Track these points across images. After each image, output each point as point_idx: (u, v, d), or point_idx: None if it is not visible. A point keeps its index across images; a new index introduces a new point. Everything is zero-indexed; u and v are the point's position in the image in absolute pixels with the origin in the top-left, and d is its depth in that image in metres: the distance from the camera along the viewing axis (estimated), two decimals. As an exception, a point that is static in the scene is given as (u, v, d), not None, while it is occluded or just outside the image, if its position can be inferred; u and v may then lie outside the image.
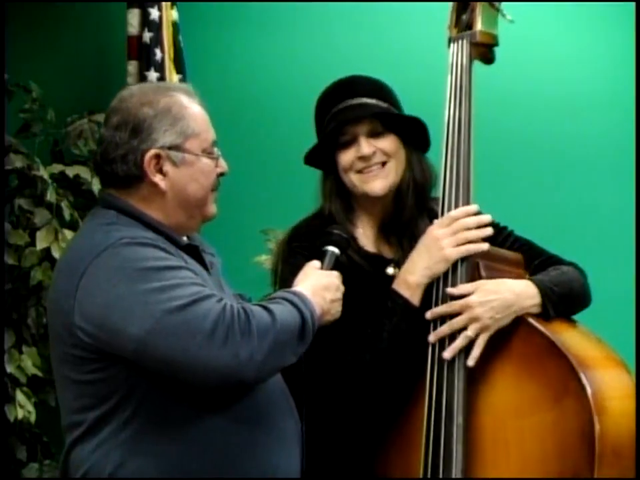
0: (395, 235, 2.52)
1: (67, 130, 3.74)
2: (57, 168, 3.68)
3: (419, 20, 3.92)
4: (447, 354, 2.30)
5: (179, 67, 3.89)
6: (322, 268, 2.29)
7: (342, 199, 2.50)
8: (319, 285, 2.21)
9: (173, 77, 3.84)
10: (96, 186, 3.55)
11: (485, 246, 2.35)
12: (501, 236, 2.52)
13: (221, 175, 2.27)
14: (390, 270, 2.48)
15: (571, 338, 2.27)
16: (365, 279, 2.45)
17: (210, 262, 2.30)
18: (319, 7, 4.06)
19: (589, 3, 3.91)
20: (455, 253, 2.33)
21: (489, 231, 2.36)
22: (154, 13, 3.82)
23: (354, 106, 2.44)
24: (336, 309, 2.24)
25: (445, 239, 2.33)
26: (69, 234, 3.50)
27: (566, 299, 2.35)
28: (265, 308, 2.09)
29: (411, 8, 3.97)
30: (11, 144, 3.62)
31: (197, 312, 2.02)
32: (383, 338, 2.34)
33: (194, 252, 2.24)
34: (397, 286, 2.37)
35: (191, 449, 2.10)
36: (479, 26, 2.43)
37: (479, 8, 2.43)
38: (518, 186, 3.93)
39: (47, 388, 3.54)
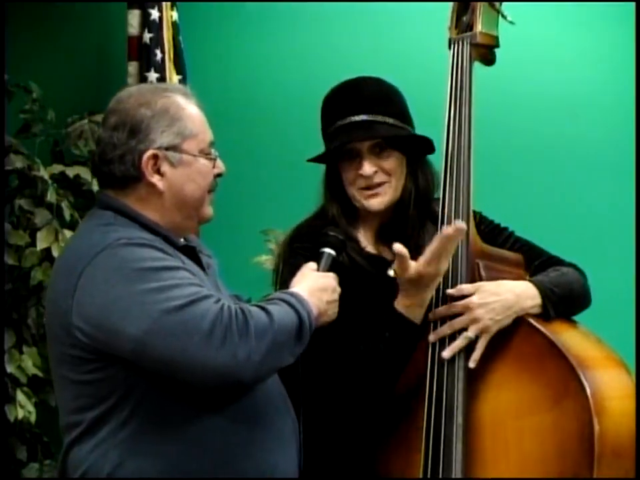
0: (396, 240, 2.51)
1: (67, 130, 3.74)
2: (57, 168, 3.68)
3: (420, 21, 3.92)
4: (446, 354, 2.30)
5: (179, 68, 3.89)
6: (318, 269, 2.29)
7: (343, 202, 2.50)
8: (315, 286, 2.22)
9: (173, 77, 3.84)
10: (96, 186, 3.55)
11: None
12: (501, 236, 2.52)
13: (219, 175, 2.27)
14: (391, 272, 2.48)
15: (571, 338, 2.27)
16: (366, 279, 2.45)
17: (207, 263, 2.31)
18: (319, 8, 4.06)
19: (589, 3, 3.91)
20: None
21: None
22: (154, 14, 3.82)
23: (360, 123, 2.43)
24: (333, 310, 2.24)
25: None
26: (69, 234, 3.50)
27: (566, 299, 2.35)
28: (263, 309, 2.09)
29: (411, 8, 3.97)
30: (11, 144, 3.62)
31: (195, 312, 2.02)
32: (380, 343, 2.34)
33: (191, 253, 2.24)
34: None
35: (189, 448, 2.11)
36: (479, 27, 2.43)
37: (480, 9, 2.43)
38: (518, 186, 3.93)
39: (47, 388, 3.54)
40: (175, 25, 3.89)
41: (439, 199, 2.44)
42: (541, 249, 2.53)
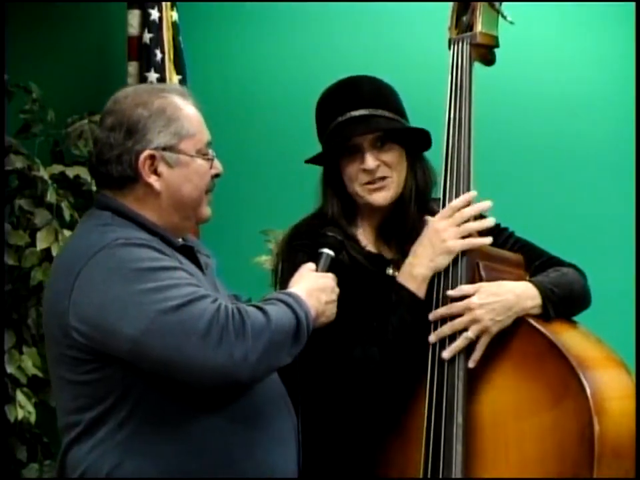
0: (396, 238, 2.52)
1: (67, 130, 3.74)
2: (57, 168, 3.68)
3: (420, 21, 3.92)
4: (446, 354, 2.30)
5: (179, 68, 3.89)
6: (317, 270, 2.29)
7: (343, 200, 2.50)
8: (314, 287, 2.22)
9: (173, 77, 3.84)
10: (95, 186, 3.55)
11: (488, 240, 2.36)
12: (501, 237, 2.52)
13: (216, 176, 2.27)
14: (390, 270, 2.49)
15: (571, 338, 2.27)
16: (366, 277, 2.45)
17: (205, 263, 2.31)
18: (319, 7, 4.06)
19: (589, 3, 3.91)
20: (457, 245, 2.34)
21: (490, 222, 2.38)
22: (154, 14, 3.82)
23: (360, 118, 2.43)
24: (331, 311, 2.25)
25: (447, 231, 2.34)
26: (69, 234, 3.49)
27: (566, 300, 2.35)
28: (260, 309, 2.09)
29: (411, 8, 3.97)
30: (11, 144, 3.62)
31: (192, 312, 2.02)
32: (388, 331, 2.35)
33: (189, 253, 2.24)
34: (402, 279, 2.37)
35: (187, 448, 2.11)
36: (479, 27, 2.43)
37: (479, 9, 2.43)
38: (518, 187, 3.93)
39: (47, 388, 3.54)
40: (174, 25, 3.89)
41: (438, 199, 2.44)
42: (541, 250, 2.53)
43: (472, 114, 2.41)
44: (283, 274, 2.43)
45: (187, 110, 2.23)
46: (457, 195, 2.39)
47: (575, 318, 2.41)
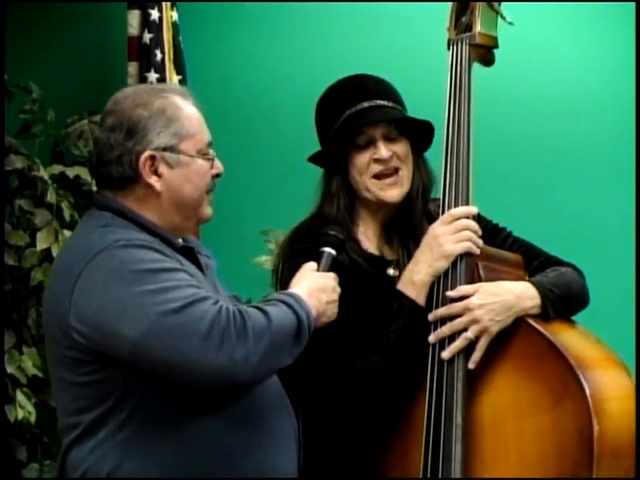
0: (398, 236, 2.52)
1: (67, 131, 3.74)
2: (57, 169, 3.68)
3: (420, 21, 3.92)
4: (446, 354, 2.30)
5: (179, 68, 3.88)
6: (318, 269, 2.29)
7: (347, 198, 2.50)
8: (314, 287, 2.22)
9: (173, 77, 3.84)
10: (96, 187, 3.55)
11: (481, 243, 2.37)
12: (499, 237, 2.52)
13: (217, 176, 2.27)
14: (391, 271, 2.49)
15: (570, 338, 2.27)
16: (366, 279, 2.45)
17: (205, 263, 2.31)
18: (319, 7, 4.06)
19: (589, 3, 3.91)
20: (456, 249, 2.34)
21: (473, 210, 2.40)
22: (154, 14, 3.82)
23: (372, 108, 2.44)
24: (332, 311, 2.24)
25: (445, 236, 2.34)
26: (69, 234, 3.49)
27: (565, 300, 2.35)
28: (261, 310, 2.09)
29: (411, 8, 3.97)
30: (11, 145, 3.62)
31: (193, 314, 2.02)
32: (389, 339, 2.35)
33: (189, 254, 2.24)
34: (402, 286, 2.37)
35: (187, 449, 2.11)
36: (478, 28, 2.42)
37: (478, 10, 2.43)
38: (517, 187, 3.93)
39: (47, 388, 3.54)
40: (175, 25, 3.89)
41: (437, 199, 2.44)
42: (540, 249, 2.53)
43: (471, 114, 2.41)
44: (284, 276, 2.43)
45: (187, 110, 2.22)
46: (457, 195, 2.39)
47: (575, 318, 2.41)
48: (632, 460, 2.19)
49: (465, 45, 2.43)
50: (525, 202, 3.90)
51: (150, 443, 2.10)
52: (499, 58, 2.50)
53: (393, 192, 2.46)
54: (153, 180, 2.18)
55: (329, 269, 2.30)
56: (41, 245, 3.52)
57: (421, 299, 2.36)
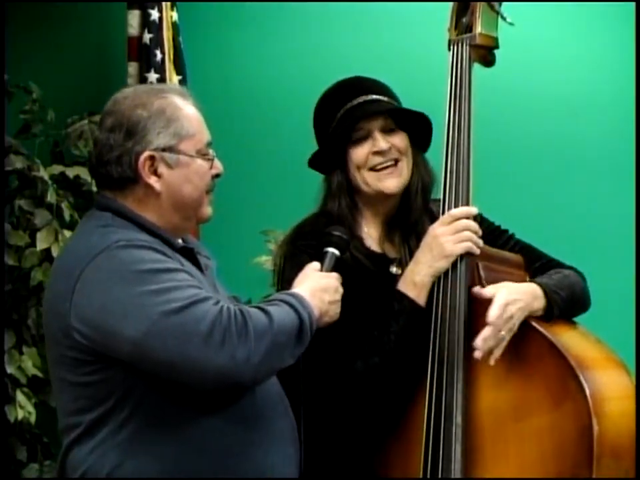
0: (400, 234, 2.52)
1: (67, 131, 3.74)
2: (57, 169, 3.68)
3: (420, 21, 3.92)
4: (478, 353, 2.24)
5: (179, 68, 3.88)
6: (322, 269, 2.29)
7: (348, 196, 2.50)
8: (317, 287, 2.22)
9: (173, 78, 3.84)
10: (96, 187, 3.55)
11: (481, 243, 2.37)
12: (501, 238, 2.53)
13: (217, 176, 2.27)
14: (393, 269, 2.49)
15: (571, 339, 2.28)
16: (368, 278, 2.45)
17: (205, 264, 2.31)
18: (319, 7, 4.06)
19: (589, 3, 3.91)
20: (456, 249, 2.34)
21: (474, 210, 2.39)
22: (154, 14, 3.82)
23: (369, 101, 2.45)
24: (334, 311, 2.24)
25: (445, 236, 2.34)
26: (69, 235, 3.49)
27: (569, 302, 2.36)
28: (262, 310, 2.09)
29: (411, 9, 3.97)
30: (11, 145, 3.61)
31: (194, 314, 2.02)
32: (390, 340, 2.35)
33: (189, 254, 2.24)
34: (403, 287, 2.38)
35: (187, 449, 2.11)
36: (478, 28, 2.43)
37: (479, 10, 2.43)
38: (518, 187, 3.93)
39: (47, 389, 3.54)
40: (174, 26, 3.89)
41: (438, 199, 2.44)
42: (541, 252, 2.53)
43: (472, 115, 2.41)
44: (286, 274, 2.43)
45: (187, 110, 2.22)
46: (457, 195, 2.39)
47: (575, 318, 2.41)
48: (632, 460, 2.19)
49: (466, 45, 2.43)
50: (524, 202, 3.89)
51: (150, 442, 2.11)
52: (500, 58, 2.50)
53: (391, 182, 2.46)
54: (153, 180, 2.18)
55: (332, 269, 2.30)
56: (40, 245, 3.52)
57: (421, 300, 2.36)
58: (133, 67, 3.84)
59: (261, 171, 4.07)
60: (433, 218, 2.46)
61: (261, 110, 4.08)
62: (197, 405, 2.12)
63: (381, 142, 2.44)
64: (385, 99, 2.47)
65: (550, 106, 3.94)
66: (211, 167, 2.24)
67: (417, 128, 2.50)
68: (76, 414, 2.14)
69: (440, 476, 2.29)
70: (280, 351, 2.08)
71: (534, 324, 2.27)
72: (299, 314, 2.12)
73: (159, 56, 3.81)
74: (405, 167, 2.48)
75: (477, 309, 2.32)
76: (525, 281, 2.38)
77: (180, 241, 2.27)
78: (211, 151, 2.25)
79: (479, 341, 2.24)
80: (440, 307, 2.35)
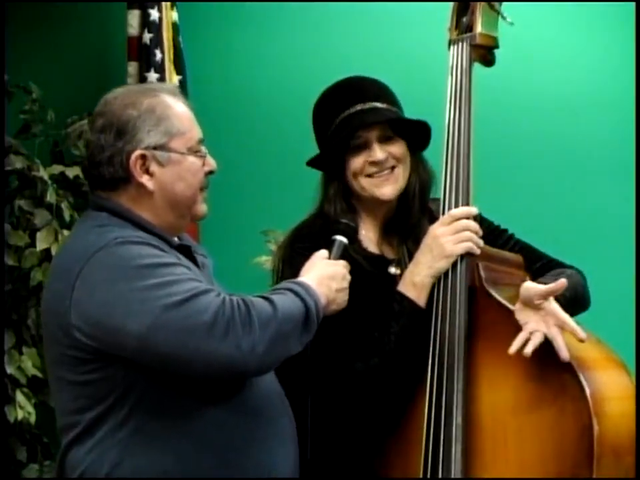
0: (398, 236, 2.52)
1: (67, 131, 3.74)
2: (57, 169, 3.68)
3: (420, 21, 3.92)
4: (529, 349, 2.22)
5: (179, 68, 3.89)
6: (330, 257, 2.29)
7: (345, 201, 2.50)
8: (324, 275, 2.22)
9: (173, 78, 3.84)
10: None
11: (481, 243, 2.37)
12: (501, 238, 2.53)
13: (210, 173, 2.27)
14: (392, 269, 2.49)
15: (571, 339, 2.27)
16: (368, 279, 2.45)
17: (202, 262, 2.31)
18: (319, 7, 4.06)
19: (589, 3, 3.91)
20: (456, 249, 2.33)
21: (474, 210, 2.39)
22: (154, 14, 3.82)
23: (366, 110, 2.44)
24: (342, 299, 2.24)
25: (445, 236, 2.34)
26: (68, 234, 3.50)
27: (572, 302, 2.36)
28: (266, 299, 2.10)
29: (411, 9, 3.97)
30: (11, 145, 3.62)
31: (196, 306, 2.02)
32: (390, 340, 2.35)
33: (186, 252, 2.25)
34: (403, 287, 2.37)
35: (187, 446, 2.11)
36: (479, 28, 2.43)
37: (479, 10, 2.43)
38: (518, 187, 3.93)
39: (46, 389, 3.53)
40: (174, 26, 3.89)
41: (437, 199, 2.44)
42: (541, 252, 2.54)
43: (472, 114, 2.41)
44: (284, 276, 2.43)
45: (177, 108, 2.22)
46: (457, 195, 2.39)
47: (575, 318, 2.41)
48: (632, 460, 2.19)
49: (466, 45, 2.43)
50: (524, 202, 3.90)
51: (150, 440, 2.11)
52: (500, 58, 2.50)
53: (387, 188, 2.46)
54: (145, 179, 2.18)
55: (340, 257, 2.30)
56: (40, 245, 3.52)
57: (421, 300, 2.36)
58: (132, 67, 3.84)
59: (260, 171, 4.07)
60: (433, 218, 2.46)
61: (260, 110, 4.08)
62: (196, 401, 2.12)
63: (378, 152, 2.44)
64: (384, 105, 2.46)
65: (550, 106, 3.95)
66: (204, 164, 2.24)
67: (415, 133, 2.49)
68: (75, 413, 2.14)
69: (440, 476, 2.29)
70: (285, 339, 2.08)
71: (534, 324, 2.27)
72: (304, 302, 2.12)
73: (158, 56, 3.82)
74: (401, 174, 2.48)
75: (477, 309, 2.32)
76: (524, 280, 2.37)
77: (176, 239, 2.27)
78: (203, 148, 2.25)
79: (512, 348, 2.22)
80: (440, 307, 2.35)
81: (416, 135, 2.50)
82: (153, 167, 2.18)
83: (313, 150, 2.55)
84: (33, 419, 3.51)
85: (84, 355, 2.10)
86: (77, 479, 2.15)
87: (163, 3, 3.85)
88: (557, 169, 3.95)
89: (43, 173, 3.58)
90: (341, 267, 2.27)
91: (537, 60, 3.95)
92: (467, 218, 2.36)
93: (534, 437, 2.21)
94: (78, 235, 2.22)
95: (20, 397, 3.48)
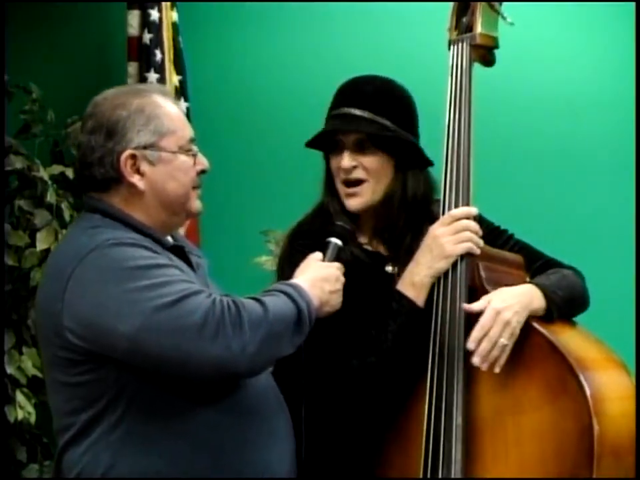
0: (389, 238, 2.51)
1: (66, 131, 3.74)
2: (56, 169, 3.68)
3: (420, 21, 3.92)
4: (485, 365, 2.24)
5: (179, 68, 3.89)
6: (324, 259, 2.30)
7: (339, 198, 2.50)
8: (317, 277, 2.22)
9: (173, 78, 3.84)
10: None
11: (481, 243, 2.36)
12: (500, 238, 2.52)
13: (202, 172, 2.27)
14: (389, 268, 2.49)
15: (571, 339, 2.27)
16: (365, 273, 2.45)
17: (196, 263, 2.31)
18: (320, 7, 4.06)
19: (589, 3, 3.91)
20: (456, 249, 2.33)
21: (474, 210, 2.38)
22: (154, 14, 3.83)
23: (345, 116, 2.43)
24: (335, 300, 2.24)
25: (445, 236, 2.34)
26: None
27: (568, 302, 2.35)
28: (257, 300, 2.10)
29: (411, 9, 3.97)
30: (11, 145, 3.62)
31: (187, 308, 2.03)
32: (387, 339, 2.35)
33: (180, 252, 2.25)
34: (402, 287, 2.37)
35: (182, 446, 2.11)
36: (479, 28, 2.42)
37: (479, 10, 2.43)
38: (518, 187, 3.93)
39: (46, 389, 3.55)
40: (174, 26, 3.90)
41: (438, 199, 2.44)
42: (541, 252, 2.53)
43: (472, 115, 2.41)
44: (284, 274, 2.43)
45: (167, 108, 2.22)
46: (457, 195, 2.39)
47: (575, 318, 2.41)
48: (632, 460, 2.19)
49: (466, 45, 2.43)
50: (524, 202, 3.90)
51: (144, 441, 2.11)
52: (500, 58, 2.50)
53: (352, 201, 2.46)
54: (136, 179, 2.18)
55: (335, 259, 2.30)
56: (40, 246, 3.52)
57: (420, 300, 2.35)
58: (132, 67, 3.85)
59: (261, 171, 4.07)
60: (433, 218, 2.45)
61: (260, 110, 4.08)
62: (189, 402, 2.12)
63: (345, 160, 2.43)
64: (365, 114, 2.42)
65: (550, 106, 3.95)
66: (195, 163, 2.24)
67: (403, 149, 2.46)
68: (70, 414, 2.15)
69: (440, 476, 2.28)
70: (277, 341, 2.09)
71: (534, 324, 2.27)
72: (296, 303, 2.12)
73: (158, 56, 3.82)
74: (370, 189, 2.45)
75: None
76: (524, 280, 2.37)
77: (170, 239, 2.27)
78: (194, 147, 2.25)
79: (470, 344, 2.24)
80: (440, 307, 2.35)
81: (404, 151, 2.47)
82: (144, 167, 2.18)
83: (314, 149, 2.55)
84: (33, 419, 3.52)
85: (76, 357, 2.10)
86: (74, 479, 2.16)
87: (163, 3, 3.86)
88: (557, 168, 3.95)
89: (43, 173, 3.58)
90: (334, 269, 2.27)
91: (537, 60, 3.95)
92: (467, 218, 2.36)
93: (534, 437, 2.21)
94: (71, 237, 2.22)
95: (20, 397, 3.49)
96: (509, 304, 2.25)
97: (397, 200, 2.46)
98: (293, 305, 2.12)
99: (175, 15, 3.90)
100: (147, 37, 3.83)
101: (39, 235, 3.53)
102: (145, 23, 3.83)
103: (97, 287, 2.06)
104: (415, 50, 3.92)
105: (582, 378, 2.17)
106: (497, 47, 2.48)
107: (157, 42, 3.82)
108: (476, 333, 2.24)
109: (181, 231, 3.66)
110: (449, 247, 2.33)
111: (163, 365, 2.05)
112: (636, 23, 3.74)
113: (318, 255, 2.30)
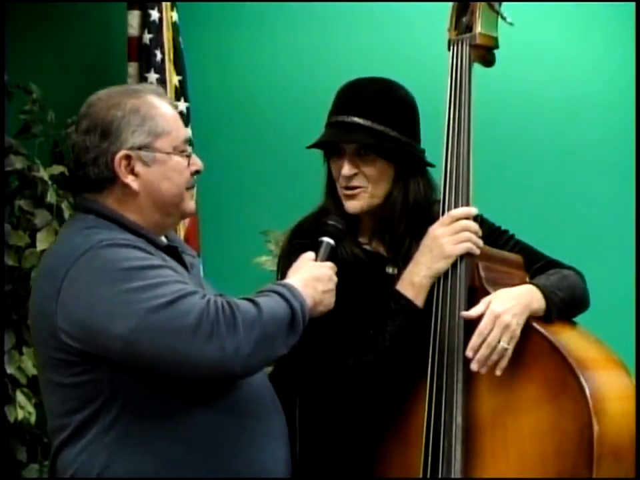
0: (389, 241, 2.51)
1: (67, 131, 3.73)
2: (57, 169, 3.68)
3: (420, 21, 3.92)
4: (484, 370, 2.24)
5: (179, 69, 3.89)
6: (316, 259, 2.30)
7: (339, 200, 2.50)
8: (310, 276, 2.22)
9: (173, 78, 3.84)
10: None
11: (481, 243, 2.36)
12: (501, 239, 2.52)
13: (196, 172, 2.27)
14: (389, 269, 2.49)
15: (571, 339, 2.27)
16: (365, 273, 2.45)
17: (190, 263, 2.31)
18: (319, 7, 4.06)
19: (589, 3, 3.91)
20: (456, 249, 2.33)
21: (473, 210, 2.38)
22: (154, 14, 3.83)
23: (346, 124, 2.42)
24: (329, 300, 2.24)
25: (445, 237, 2.34)
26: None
27: (568, 302, 2.35)
28: (251, 301, 2.10)
29: (411, 9, 3.97)
30: (11, 145, 3.62)
31: (181, 308, 2.03)
32: (385, 339, 2.35)
33: (173, 253, 2.25)
34: (401, 287, 2.37)
35: (177, 446, 2.12)
36: (478, 28, 2.42)
37: (479, 10, 2.43)
38: (518, 187, 3.93)
39: (46, 389, 3.55)
40: (174, 26, 3.90)
41: (438, 200, 2.44)
42: (541, 253, 2.53)
43: (471, 115, 2.41)
44: (283, 273, 2.43)
45: (162, 108, 2.22)
46: (457, 195, 2.39)
47: (575, 318, 2.41)
48: (632, 460, 2.19)
49: (466, 45, 2.43)
50: (524, 202, 3.90)
51: (139, 441, 2.11)
52: (499, 58, 2.50)
53: (351, 204, 2.46)
54: (130, 179, 2.18)
55: (327, 259, 2.30)
56: (40, 246, 3.52)
57: (419, 301, 2.35)
58: (132, 67, 3.85)
59: (260, 171, 4.07)
60: (434, 219, 2.45)
61: (260, 110, 4.08)
62: (184, 403, 2.12)
63: (346, 168, 2.43)
64: (367, 123, 2.41)
65: (550, 106, 3.94)
66: (189, 164, 2.24)
67: (403, 155, 2.46)
68: (65, 415, 2.15)
69: (440, 476, 2.29)
70: (271, 341, 2.09)
71: (534, 324, 2.27)
72: (289, 304, 2.12)
73: (158, 56, 3.82)
74: (368, 193, 2.45)
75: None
76: (524, 281, 2.37)
77: (164, 239, 2.27)
78: (188, 148, 2.25)
79: (468, 352, 2.25)
80: (440, 307, 2.35)
81: (404, 157, 2.46)
82: (138, 167, 2.18)
83: (313, 150, 2.55)
84: (33, 419, 3.52)
85: (70, 358, 2.10)
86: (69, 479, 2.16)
87: (163, 3, 3.86)
88: (556, 168, 3.95)
89: (43, 173, 3.58)
90: (327, 269, 2.27)
91: (537, 60, 3.94)
92: (467, 218, 2.36)
93: (534, 436, 2.21)
94: (65, 238, 2.22)
95: (20, 397, 3.49)
96: (508, 306, 2.25)
97: (398, 205, 2.46)
98: (286, 306, 2.12)
99: (175, 15, 3.90)
100: (147, 37, 3.83)
101: (39, 235, 3.53)
102: (145, 23, 3.83)
103: (91, 287, 2.06)
104: (415, 50, 3.92)
105: (582, 378, 2.17)
106: (496, 47, 2.48)
107: (157, 42, 3.82)
108: (474, 339, 2.25)
109: (181, 232, 3.67)
110: (448, 247, 2.33)
111: (157, 365, 2.05)
112: (636, 23, 3.74)
113: (310, 254, 2.30)
